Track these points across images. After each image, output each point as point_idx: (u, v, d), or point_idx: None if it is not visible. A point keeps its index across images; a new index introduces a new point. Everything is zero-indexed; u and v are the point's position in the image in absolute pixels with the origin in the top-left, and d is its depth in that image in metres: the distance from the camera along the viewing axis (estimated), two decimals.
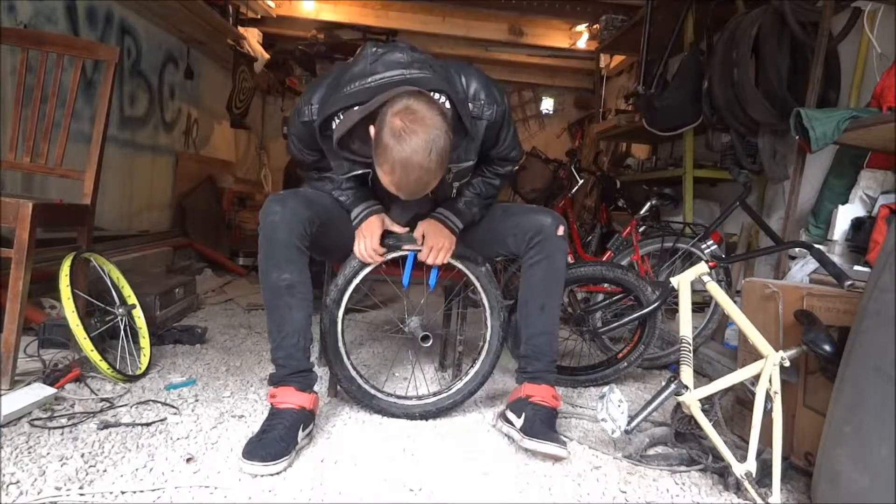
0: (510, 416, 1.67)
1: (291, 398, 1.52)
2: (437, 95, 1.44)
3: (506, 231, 1.74)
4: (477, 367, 1.80)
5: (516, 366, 1.81)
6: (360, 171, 1.59)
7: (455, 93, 1.49)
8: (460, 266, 1.76)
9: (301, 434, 1.48)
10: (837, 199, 2.42)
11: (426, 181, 1.39)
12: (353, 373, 1.74)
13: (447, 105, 1.46)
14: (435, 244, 1.67)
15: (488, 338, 1.81)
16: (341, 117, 1.48)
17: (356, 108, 1.45)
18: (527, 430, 1.55)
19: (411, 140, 1.32)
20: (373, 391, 1.74)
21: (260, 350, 2.41)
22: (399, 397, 1.77)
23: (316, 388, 1.61)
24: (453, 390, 1.78)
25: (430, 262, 1.67)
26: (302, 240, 1.54)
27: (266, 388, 1.92)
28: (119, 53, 2.12)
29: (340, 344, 1.72)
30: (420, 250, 1.68)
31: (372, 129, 1.41)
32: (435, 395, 1.78)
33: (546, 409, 1.63)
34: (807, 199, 2.66)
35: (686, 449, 1.58)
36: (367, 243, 1.65)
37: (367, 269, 1.71)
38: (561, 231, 1.68)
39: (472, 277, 1.79)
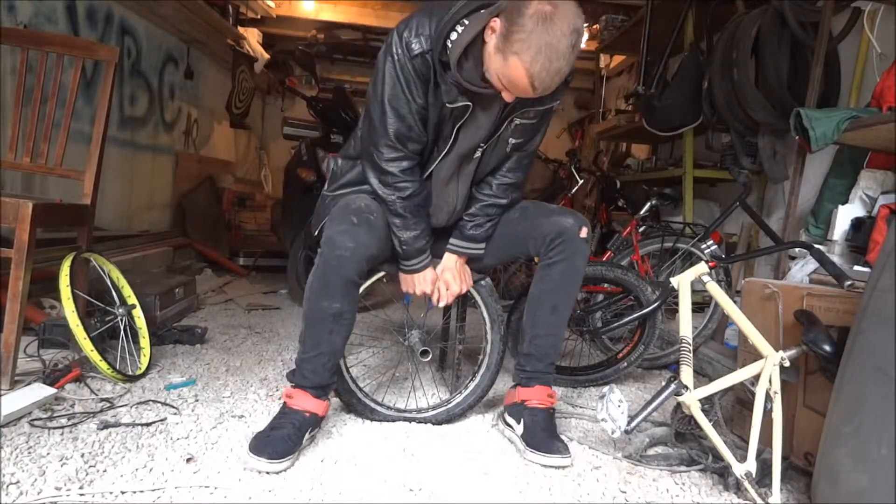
0: (509, 420, 1.67)
1: (306, 403, 1.52)
2: None
3: (525, 235, 1.68)
4: (477, 380, 1.79)
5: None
6: (462, 104, 1.45)
7: None
8: None
9: (306, 436, 1.50)
10: (837, 199, 2.42)
11: (564, 72, 1.31)
12: (353, 386, 1.73)
13: None
14: (443, 286, 1.68)
15: (488, 351, 1.79)
16: (465, 23, 1.38)
17: (482, 11, 1.36)
18: (529, 441, 1.56)
19: (560, 23, 1.24)
20: (373, 405, 1.73)
21: (260, 350, 2.41)
22: (399, 410, 1.75)
23: None
24: (452, 403, 1.77)
25: (439, 304, 1.69)
26: (362, 276, 1.51)
27: (266, 388, 1.93)
28: (119, 53, 2.12)
29: (340, 358, 1.72)
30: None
31: (496, 26, 1.32)
32: (434, 408, 1.77)
33: (543, 411, 1.63)
34: (807, 199, 2.65)
35: (686, 449, 1.58)
36: (420, 291, 1.68)
37: (368, 283, 1.71)
38: (584, 233, 1.62)
39: (473, 291, 1.77)
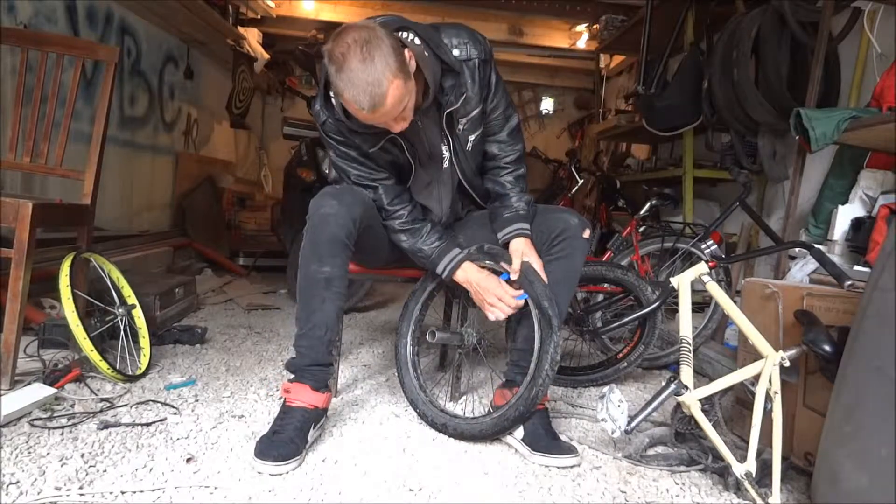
0: None
1: (305, 397, 1.52)
2: (402, 34, 1.42)
3: (531, 233, 1.68)
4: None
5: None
6: (386, 138, 1.54)
7: (429, 37, 1.46)
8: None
9: (312, 432, 1.50)
10: (837, 199, 2.42)
11: (382, 87, 1.30)
12: (425, 398, 1.72)
13: (416, 41, 1.44)
14: (535, 263, 1.62)
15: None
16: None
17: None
18: (533, 444, 1.55)
19: (349, 60, 1.29)
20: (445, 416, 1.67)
21: (260, 350, 2.41)
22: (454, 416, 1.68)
23: None
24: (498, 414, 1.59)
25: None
26: (350, 237, 1.52)
27: (266, 388, 1.93)
28: (119, 53, 2.12)
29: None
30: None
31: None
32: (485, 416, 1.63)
33: (540, 413, 1.61)
34: (807, 199, 2.66)
35: (686, 449, 1.58)
36: (501, 305, 1.59)
37: (420, 300, 1.77)
38: (587, 234, 1.65)
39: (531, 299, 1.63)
